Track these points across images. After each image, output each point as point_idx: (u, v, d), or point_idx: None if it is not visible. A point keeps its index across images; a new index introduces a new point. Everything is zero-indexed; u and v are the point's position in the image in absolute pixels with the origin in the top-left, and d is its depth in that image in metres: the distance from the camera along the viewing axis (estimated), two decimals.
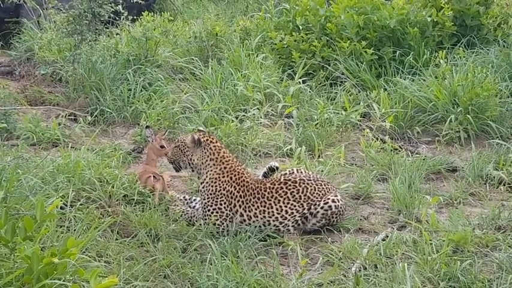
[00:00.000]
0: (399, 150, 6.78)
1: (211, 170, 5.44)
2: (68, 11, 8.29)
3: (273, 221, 5.28)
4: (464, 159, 6.67)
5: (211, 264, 4.54)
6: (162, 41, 9.18)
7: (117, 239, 4.89)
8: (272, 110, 7.59)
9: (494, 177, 6.17)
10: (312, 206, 5.30)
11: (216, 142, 5.52)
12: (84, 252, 4.39)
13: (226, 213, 5.32)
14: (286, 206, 5.30)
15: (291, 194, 5.32)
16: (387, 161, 6.42)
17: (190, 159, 5.52)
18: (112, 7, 8.21)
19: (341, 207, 5.36)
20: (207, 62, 8.66)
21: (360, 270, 4.62)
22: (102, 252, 4.65)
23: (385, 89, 7.88)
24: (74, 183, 5.31)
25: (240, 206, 5.33)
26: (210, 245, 4.77)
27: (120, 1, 8.50)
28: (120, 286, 4.21)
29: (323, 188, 5.39)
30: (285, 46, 8.82)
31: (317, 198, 5.32)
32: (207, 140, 5.49)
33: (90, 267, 3.97)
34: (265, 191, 5.34)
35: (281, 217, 5.28)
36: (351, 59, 8.36)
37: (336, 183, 5.95)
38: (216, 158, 5.44)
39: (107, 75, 8.09)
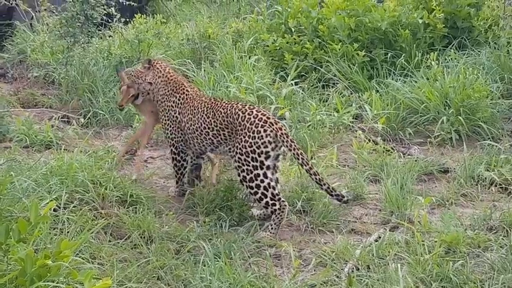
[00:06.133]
0: (391, 152, 6.80)
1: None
2: (60, 14, 8.31)
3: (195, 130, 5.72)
4: (456, 160, 6.70)
5: (204, 265, 4.54)
6: (155, 43, 9.19)
7: (110, 241, 4.89)
8: None
9: (485, 178, 6.20)
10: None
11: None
12: (78, 254, 4.38)
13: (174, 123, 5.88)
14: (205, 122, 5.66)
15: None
16: (379, 162, 6.45)
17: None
18: (105, 9, 8.23)
19: None
20: (199, 64, 8.67)
21: (352, 271, 4.64)
22: (95, 254, 4.65)
23: (377, 91, 7.92)
24: (67, 185, 5.30)
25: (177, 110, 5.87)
26: (203, 246, 4.78)
27: (113, 3, 8.51)
28: None
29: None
30: (278, 48, 8.84)
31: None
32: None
33: (83, 269, 3.97)
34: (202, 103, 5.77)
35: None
36: (343, 61, 8.39)
37: None
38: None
39: (100, 77, 8.10)
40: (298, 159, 5.33)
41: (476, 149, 6.89)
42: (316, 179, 5.35)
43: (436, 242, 4.89)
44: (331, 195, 5.44)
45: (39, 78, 8.70)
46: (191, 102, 5.81)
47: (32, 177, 5.29)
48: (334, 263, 4.81)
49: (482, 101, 7.27)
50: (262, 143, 5.28)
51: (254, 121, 5.33)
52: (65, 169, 5.53)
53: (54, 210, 4.87)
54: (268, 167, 5.31)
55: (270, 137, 5.29)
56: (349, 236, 5.33)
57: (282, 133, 5.30)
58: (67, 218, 4.82)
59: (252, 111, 5.39)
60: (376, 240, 5.12)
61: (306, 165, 5.33)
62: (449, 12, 8.72)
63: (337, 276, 4.64)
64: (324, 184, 5.37)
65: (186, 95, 5.88)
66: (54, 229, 4.70)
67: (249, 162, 5.30)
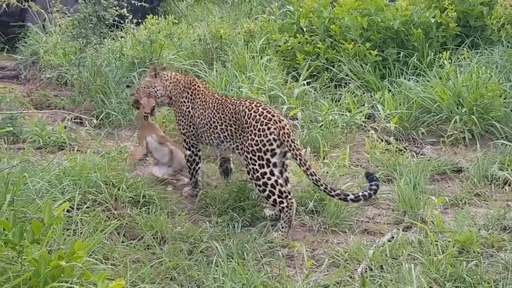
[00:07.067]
0: (404, 151, 6.79)
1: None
2: (72, 15, 8.33)
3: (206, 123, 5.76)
4: (469, 160, 6.67)
5: (217, 266, 4.54)
6: (167, 44, 9.20)
7: (123, 242, 4.90)
8: None
9: (499, 177, 6.17)
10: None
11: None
12: (91, 255, 4.39)
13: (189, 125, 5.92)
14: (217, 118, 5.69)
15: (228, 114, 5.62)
16: (392, 162, 6.43)
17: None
18: (117, 10, 8.25)
19: None
20: (211, 65, 8.68)
21: (365, 271, 4.63)
22: (108, 255, 4.66)
23: (390, 90, 7.89)
24: (80, 186, 5.32)
25: (192, 108, 5.91)
26: (216, 247, 4.79)
27: (125, 4, 8.54)
28: None
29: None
30: (289, 48, 8.84)
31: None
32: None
33: (96, 270, 3.99)
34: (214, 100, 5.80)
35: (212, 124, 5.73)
36: (355, 61, 8.37)
37: (340, 184, 5.96)
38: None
39: (112, 78, 8.13)
40: (297, 159, 5.31)
41: (489, 149, 6.85)
42: (313, 179, 5.31)
43: (449, 242, 4.87)
44: (331, 195, 5.30)
45: (52, 79, 8.73)
46: (203, 97, 5.86)
47: (45, 178, 5.31)
48: (347, 264, 4.80)
49: (495, 100, 7.24)
50: (267, 141, 5.28)
51: (259, 119, 5.34)
52: (78, 170, 5.55)
53: (68, 211, 4.89)
54: (274, 165, 5.30)
55: (274, 134, 5.28)
56: (362, 236, 5.32)
57: (284, 132, 5.29)
58: (80, 219, 4.84)
59: (258, 109, 5.40)
60: (389, 241, 5.10)
61: (303, 166, 5.31)
62: (461, 11, 8.68)
63: (351, 277, 4.63)
64: (322, 185, 5.28)
65: (198, 90, 5.93)
66: (67, 230, 4.72)
67: (255, 161, 5.30)
